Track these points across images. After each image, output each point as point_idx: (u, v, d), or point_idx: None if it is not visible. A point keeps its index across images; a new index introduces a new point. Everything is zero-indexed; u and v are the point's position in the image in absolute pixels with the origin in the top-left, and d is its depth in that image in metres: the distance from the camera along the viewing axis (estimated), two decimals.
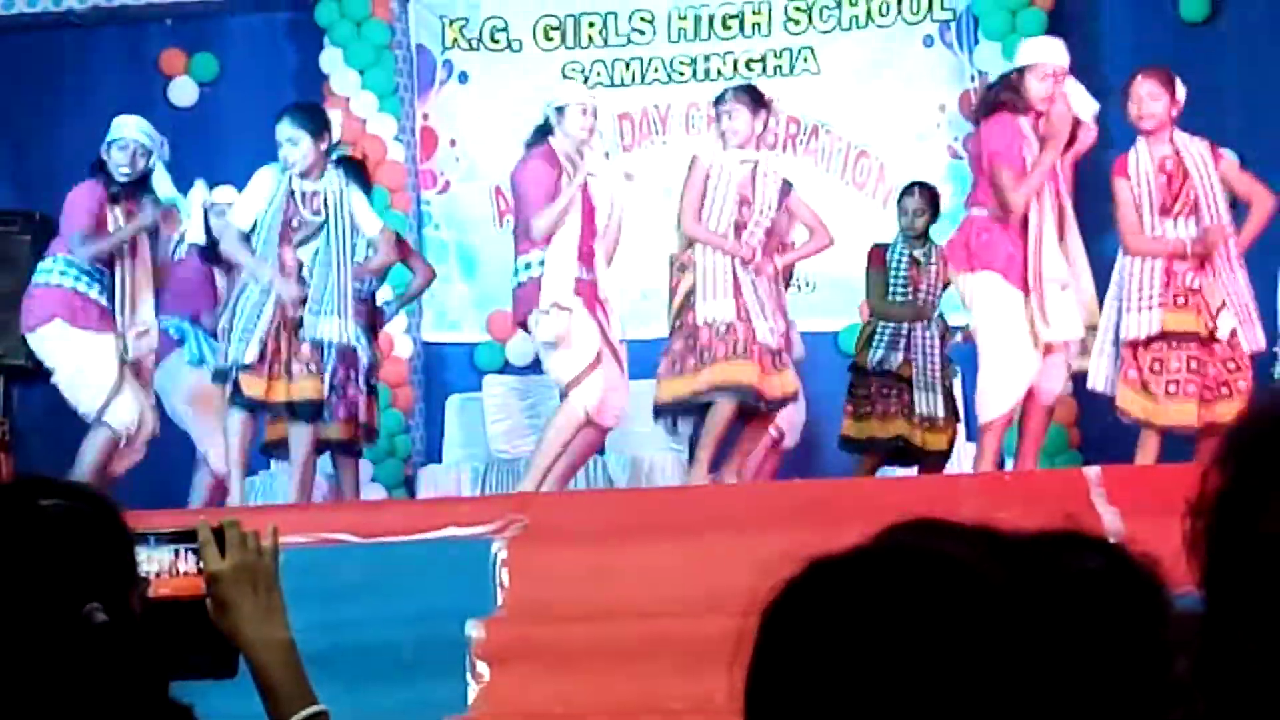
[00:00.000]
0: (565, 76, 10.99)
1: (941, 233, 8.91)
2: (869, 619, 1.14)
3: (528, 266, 8.19)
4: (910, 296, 9.00)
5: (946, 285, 8.78)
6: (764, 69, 10.88)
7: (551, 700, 6.25)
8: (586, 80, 11.00)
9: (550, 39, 11.12)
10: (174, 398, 9.01)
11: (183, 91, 11.34)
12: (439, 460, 10.56)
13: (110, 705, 2.01)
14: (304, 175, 8.21)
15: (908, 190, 9.20)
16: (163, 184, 8.67)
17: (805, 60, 10.91)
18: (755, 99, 8.29)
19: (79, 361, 8.43)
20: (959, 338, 8.96)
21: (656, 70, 11.03)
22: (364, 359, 8.76)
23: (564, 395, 8.24)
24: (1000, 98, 7.98)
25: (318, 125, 8.31)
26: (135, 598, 2.16)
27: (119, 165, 8.42)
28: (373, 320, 9.08)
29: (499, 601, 6.77)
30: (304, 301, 8.20)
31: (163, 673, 2.13)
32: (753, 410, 8.19)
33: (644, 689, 6.15)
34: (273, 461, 9.49)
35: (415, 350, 11.02)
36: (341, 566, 6.87)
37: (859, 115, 10.77)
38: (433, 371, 11.05)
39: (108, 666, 2.02)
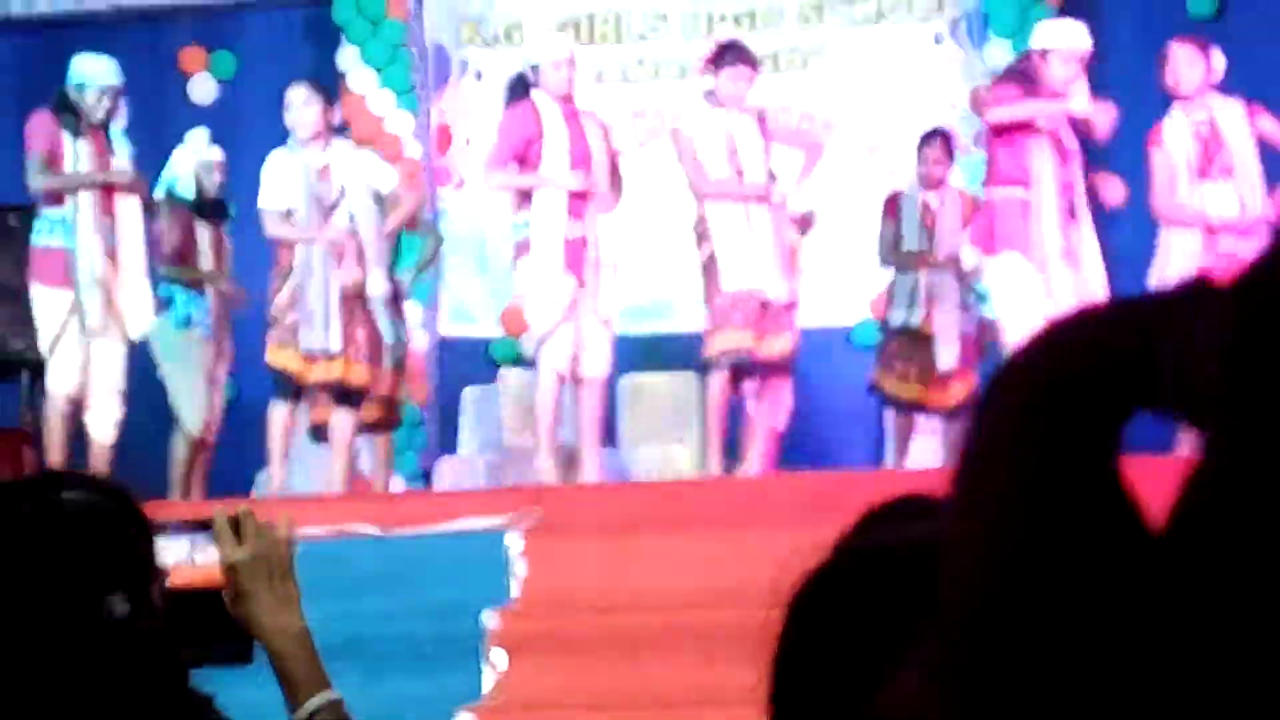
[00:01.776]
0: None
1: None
2: (899, 608, 1.13)
3: (526, 224, 8.27)
4: (924, 243, 9.02)
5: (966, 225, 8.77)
6: (776, 65, 10.90)
7: (567, 690, 6.27)
8: (600, 78, 11.05)
9: (564, 36, 11.14)
10: (162, 359, 9.00)
11: (202, 89, 11.40)
12: (455, 452, 10.60)
13: (132, 697, 2.03)
14: (312, 141, 8.28)
15: (927, 139, 9.23)
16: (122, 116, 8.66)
17: (817, 57, 10.94)
18: (753, 63, 8.38)
19: (41, 316, 8.42)
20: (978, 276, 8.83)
21: (670, 68, 11.06)
22: (397, 334, 8.84)
23: (535, 358, 8.31)
24: (1014, 76, 7.98)
25: (328, 95, 8.46)
26: (156, 590, 2.18)
27: (93, 106, 8.39)
28: (396, 294, 9.15)
29: (515, 592, 6.79)
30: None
31: (184, 664, 2.15)
32: (745, 373, 8.25)
33: (659, 680, 6.18)
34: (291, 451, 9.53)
35: (431, 343, 11.07)
36: (358, 558, 6.91)
37: (870, 112, 10.79)
38: (448, 364, 11.09)
39: (129, 658, 2.05)
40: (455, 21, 11.24)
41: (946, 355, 8.80)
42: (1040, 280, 7.83)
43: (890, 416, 9.25)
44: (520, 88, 8.38)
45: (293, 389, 8.36)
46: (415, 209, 9.17)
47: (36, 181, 8.35)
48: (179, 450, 9.00)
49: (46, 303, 8.39)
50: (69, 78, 8.54)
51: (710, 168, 8.24)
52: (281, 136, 8.58)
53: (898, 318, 8.96)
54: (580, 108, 8.43)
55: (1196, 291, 0.72)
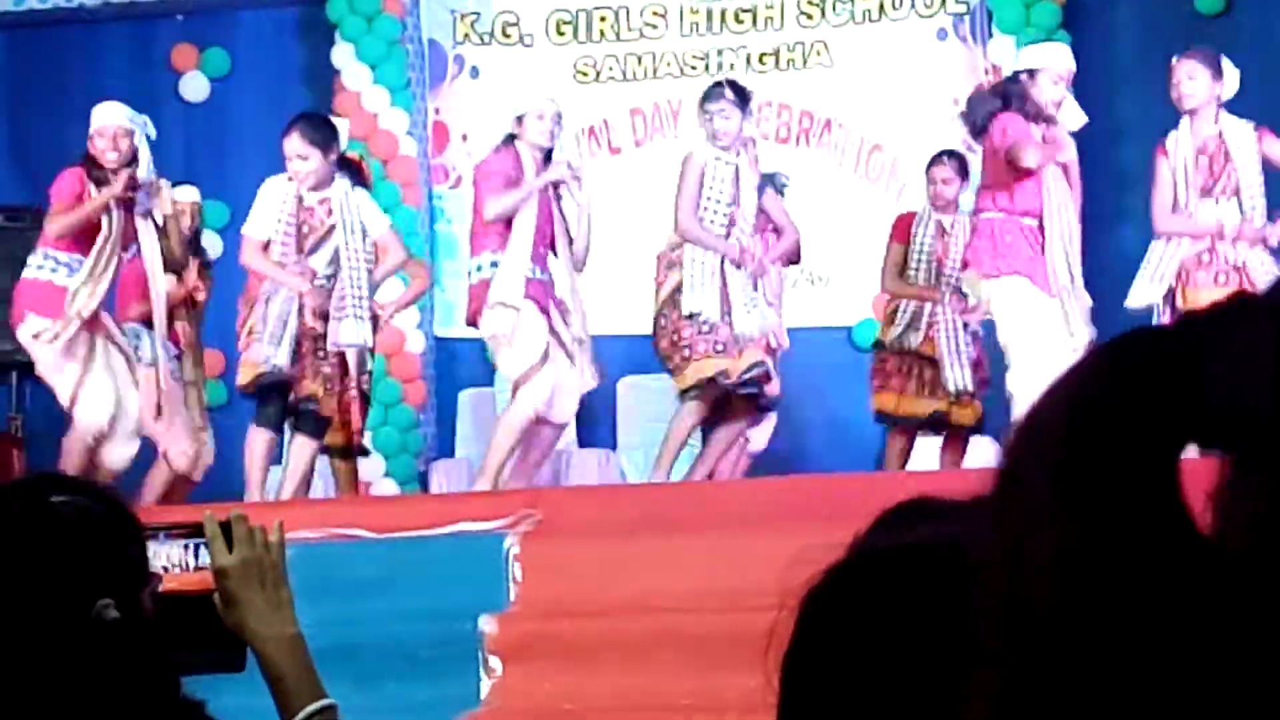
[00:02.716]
0: (577, 71, 11.00)
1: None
2: (914, 609, 1.14)
3: (479, 268, 8.23)
4: (931, 271, 8.90)
5: (966, 266, 8.67)
6: (777, 63, 10.88)
7: (564, 695, 6.25)
8: (598, 75, 11.01)
9: (562, 33, 11.12)
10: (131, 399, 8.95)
11: (194, 87, 11.34)
12: (451, 455, 10.57)
13: (122, 702, 2.01)
14: (313, 189, 8.24)
15: (936, 159, 9.07)
16: (144, 162, 8.62)
17: (818, 54, 10.91)
18: (742, 98, 8.30)
19: (51, 355, 8.38)
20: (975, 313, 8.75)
21: (669, 65, 11.03)
22: (365, 364, 8.78)
23: (514, 393, 8.26)
24: (1008, 101, 7.93)
25: (326, 139, 8.28)
26: (147, 595, 2.16)
27: (103, 151, 8.41)
28: (373, 324, 9.09)
29: (512, 597, 6.77)
30: (324, 312, 8.21)
31: (175, 670, 2.13)
32: (726, 401, 8.19)
33: (657, 685, 6.15)
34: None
35: (427, 345, 11.03)
36: (354, 562, 6.87)
37: (872, 109, 10.75)
38: (444, 366, 11.06)
39: (120, 664, 2.03)
40: (451, 18, 11.21)
41: (957, 376, 8.70)
42: (1048, 301, 7.78)
43: (893, 436, 9.15)
44: (508, 138, 8.37)
45: (274, 417, 8.28)
46: (419, 291, 9.20)
47: (48, 232, 8.38)
48: (156, 482, 8.92)
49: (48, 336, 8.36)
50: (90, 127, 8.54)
51: (707, 209, 8.18)
52: (275, 139, 8.50)
53: (895, 335, 8.87)
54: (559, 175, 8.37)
55: (1237, 310, 0.69)
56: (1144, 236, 8.30)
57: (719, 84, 8.51)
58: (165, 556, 2.32)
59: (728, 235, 8.17)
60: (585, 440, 10.22)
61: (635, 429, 9.94)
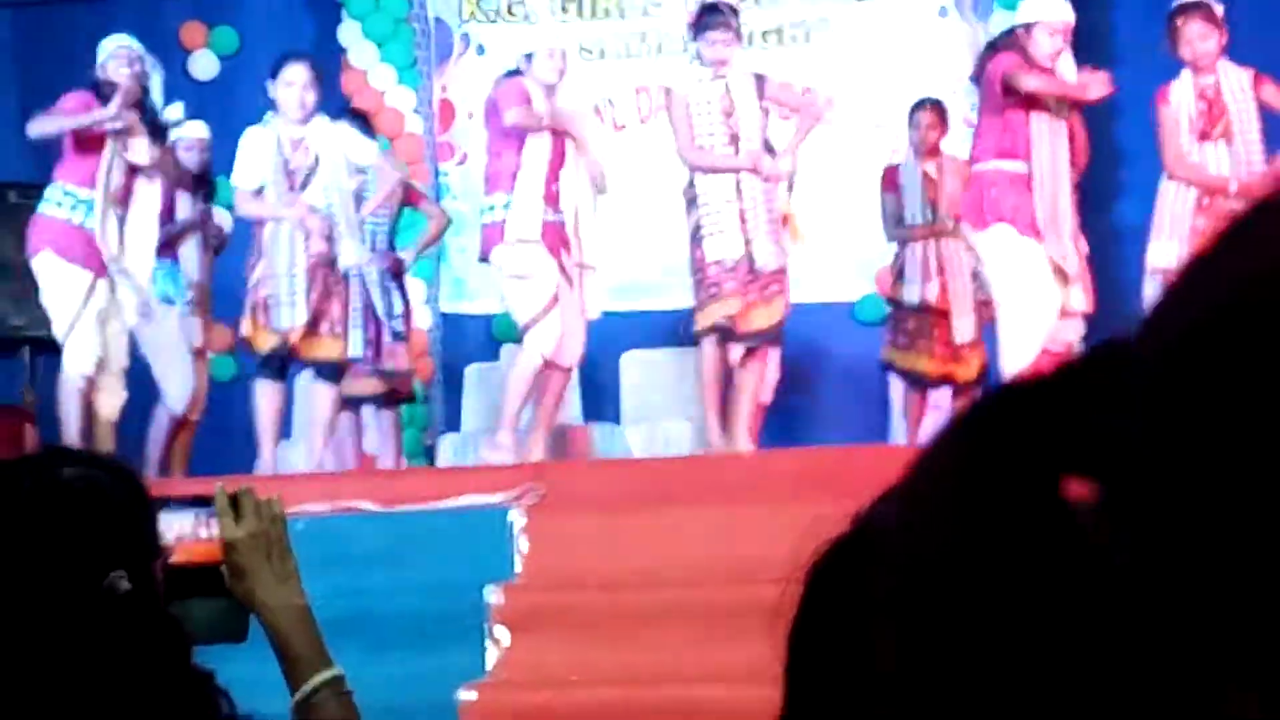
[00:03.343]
0: (582, 49, 11.02)
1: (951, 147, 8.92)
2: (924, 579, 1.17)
3: (491, 209, 8.28)
4: (927, 214, 8.98)
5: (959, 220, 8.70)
6: (779, 39, 10.89)
7: (570, 667, 6.28)
8: (603, 53, 11.03)
9: (566, 11, 11.14)
10: (142, 335, 9.02)
11: (203, 65, 11.38)
12: (458, 429, 10.61)
13: (134, 673, 2.02)
14: (296, 119, 8.28)
15: (919, 105, 9.25)
16: (155, 89, 8.68)
17: (820, 31, 10.92)
18: (735, 18, 8.35)
19: (57, 293, 8.42)
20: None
21: (672, 42, 11.04)
22: (395, 307, 8.87)
23: (522, 336, 8.31)
24: (1004, 49, 7.97)
25: (318, 75, 8.42)
26: (158, 566, 2.19)
27: (115, 68, 8.43)
28: (397, 268, 9.17)
29: (517, 568, 6.80)
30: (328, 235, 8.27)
31: (185, 640, 2.17)
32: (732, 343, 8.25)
33: (661, 656, 6.18)
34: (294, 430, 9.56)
35: (434, 321, 11.07)
36: (361, 534, 6.92)
37: (873, 86, 10.77)
38: (451, 342, 11.09)
39: (131, 635, 2.03)
40: None
41: (964, 327, 8.76)
42: (1034, 246, 7.80)
43: (899, 394, 9.20)
44: (513, 73, 8.41)
45: (276, 366, 8.37)
46: (395, 187, 9.17)
47: (31, 129, 8.41)
48: (159, 428, 8.99)
49: (61, 277, 8.37)
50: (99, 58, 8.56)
51: (702, 134, 8.24)
52: None
53: (912, 293, 8.91)
54: (563, 106, 8.42)
55: (1110, 356, 0.72)
56: (1142, 210, 8.33)
57: (715, 10, 8.47)
58: (177, 527, 2.33)
59: (736, 151, 8.23)
60: (590, 414, 10.26)
61: (639, 402, 9.97)
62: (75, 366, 8.43)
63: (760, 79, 8.43)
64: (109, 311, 8.44)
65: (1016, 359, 7.77)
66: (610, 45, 11.07)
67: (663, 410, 9.76)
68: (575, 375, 8.78)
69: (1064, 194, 7.93)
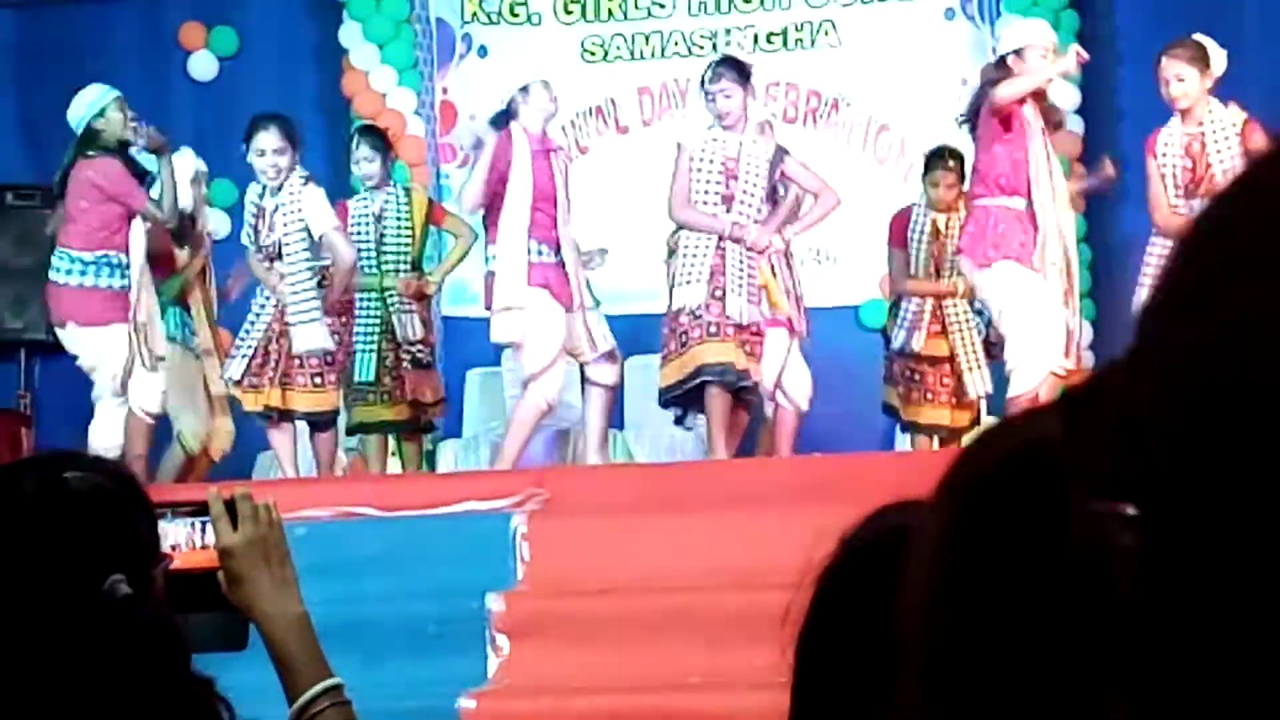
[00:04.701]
0: (585, 50, 10.98)
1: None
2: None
3: (489, 259, 8.32)
4: (933, 268, 8.85)
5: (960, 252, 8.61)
6: (784, 42, 10.86)
7: (571, 674, 6.25)
8: (606, 55, 11.00)
9: (570, 12, 11.10)
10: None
11: (203, 66, 11.34)
12: (459, 435, 10.57)
13: (134, 679, 2.01)
14: (274, 190, 8.32)
15: (938, 160, 8.91)
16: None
17: (826, 34, 10.89)
18: (743, 74, 8.25)
19: (94, 356, 8.45)
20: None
21: (676, 44, 11.01)
22: (412, 334, 8.85)
23: (525, 385, 8.29)
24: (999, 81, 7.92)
25: (295, 139, 8.42)
26: (158, 571, 2.17)
27: (125, 129, 8.46)
28: (420, 293, 9.12)
29: (519, 575, 6.78)
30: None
31: (186, 646, 2.13)
32: (740, 389, 8.18)
33: (664, 663, 6.16)
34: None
35: (436, 324, 11.02)
36: (362, 540, 6.88)
37: (880, 89, 10.74)
38: (452, 346, 11.05)
39: (130, 640, 2.02)
40: None
41: (976, 382, 8.67)
42: (1039, 281, 7.79)
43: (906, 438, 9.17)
44: (503, 117, 8.36)
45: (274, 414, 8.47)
46: (464, 249, 9.18)
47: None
48: (169, 465, 8.96)
49: (107, 341, 8.38)
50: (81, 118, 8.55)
51: (697, 191, 8.15)
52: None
53: (898, 339, 8.85)
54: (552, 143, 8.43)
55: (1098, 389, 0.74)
56: (1144, 216, 8.30)
57: (719, 63, 8.44)
58: (171, 535, 2.30)
59: (728, 211, 8.14)
60: None
61: (642, 408, 9.93)
62: (139, 401, 8.45)
63: (781, 152, 8.34)
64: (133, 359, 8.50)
65: (1021, 382, 7.80)
66: (613, 47, 11.03)
67: (665, 416, 9.70)
68: (575, 375, 8.72)
69: (1067, 225, 7.94)
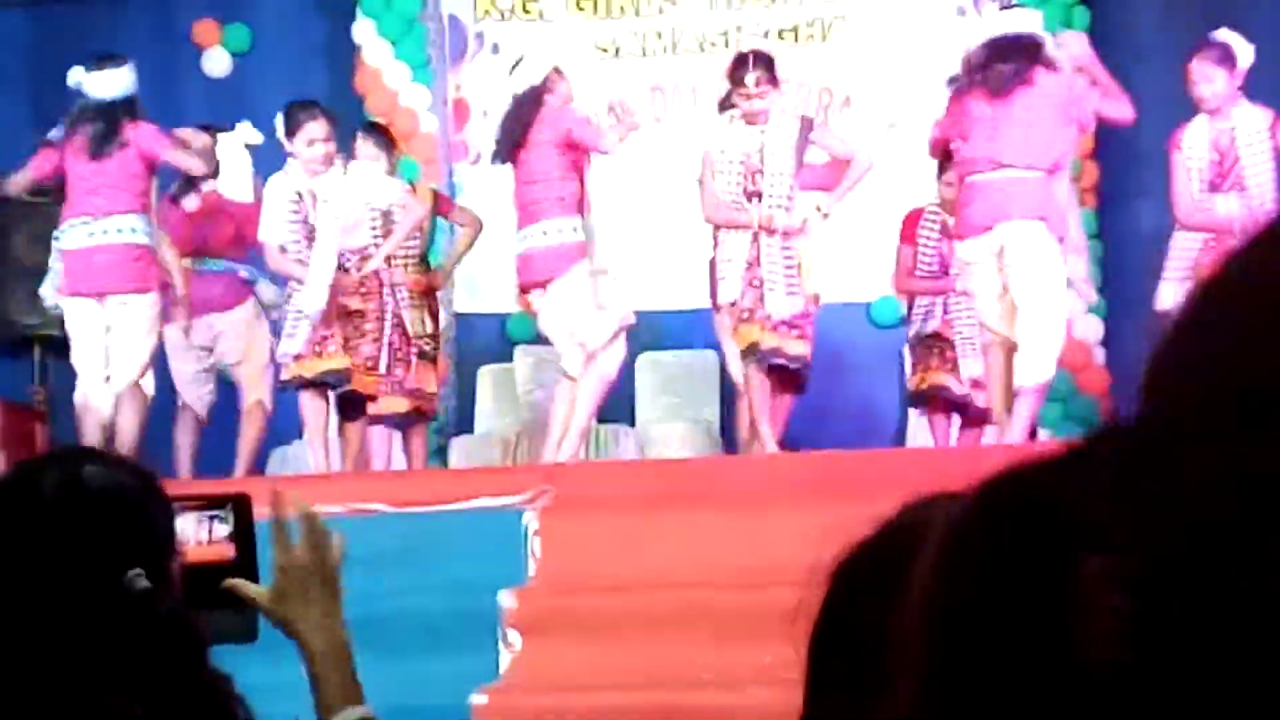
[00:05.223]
0: (597, 47, 10.99)
1: None
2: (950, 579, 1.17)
3: (523, 238, 8.38)
4: (936, 269, 8.85)
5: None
6: (796, 38, 10.85)
7: (583, 670, 6.26)
8: (618, 52, 11.01)
9: (582, 9, 11.10)
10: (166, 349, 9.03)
11: (216, 62, 11.36)
12: (471, 431, 10.58)
13: (152, 673, 2.03)
14: (318, 174, 8.35)
15: (951, 158, 8.79)
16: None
17: (837, 30, 10.88)
18: (773, 72, 8.28)
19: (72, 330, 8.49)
20: None
21: (688, 41, 11.01)
22: (417, 328, 8.88)
23: (591, 357, 8.26)
24: (1034, 60, 7.94)
25: (332, 121, 8.48)
26: (175, 565, 2.19)
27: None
28: (429, 288, 9.16)
29: (531, 571, 6.78)
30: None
31: (202, 640, 2.15)
32: (777, 369, 8.21)
33: (675, 659, 6.16)
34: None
35: (447, 321, 11.03)
36: (374, 536, 6.86)
37: (891, 85, 10.72)
38: (464, 342, 11.07)
39: (149, 634, 2.04)
40: None
41: (970, 367, 8.69)
42: (1054, 249, 7.76)
43: (926, 419, 9.15)
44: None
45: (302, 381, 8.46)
46: (471, 238, 9.24)
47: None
48: (185, 434, 8.97)
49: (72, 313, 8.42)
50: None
51: (723, 189, 8.18)
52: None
53: (913, 328, 8.89)
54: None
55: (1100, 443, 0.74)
56: (1161, 213, 8.29)
57: (754, 62, 8.32)
58: (180, 529, 2.31)
59: (755, 203, 8.18)
60: (604, 415, 10.23)
61: (654, 404, 9.95)
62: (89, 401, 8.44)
63: (806, 121, 8.37)
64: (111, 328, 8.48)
65: (1034, 370, 7.65)
66: (625, 44, 11.03)
67: (677, 412, 9.73)
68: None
69: (1075, 203, 7.93)
